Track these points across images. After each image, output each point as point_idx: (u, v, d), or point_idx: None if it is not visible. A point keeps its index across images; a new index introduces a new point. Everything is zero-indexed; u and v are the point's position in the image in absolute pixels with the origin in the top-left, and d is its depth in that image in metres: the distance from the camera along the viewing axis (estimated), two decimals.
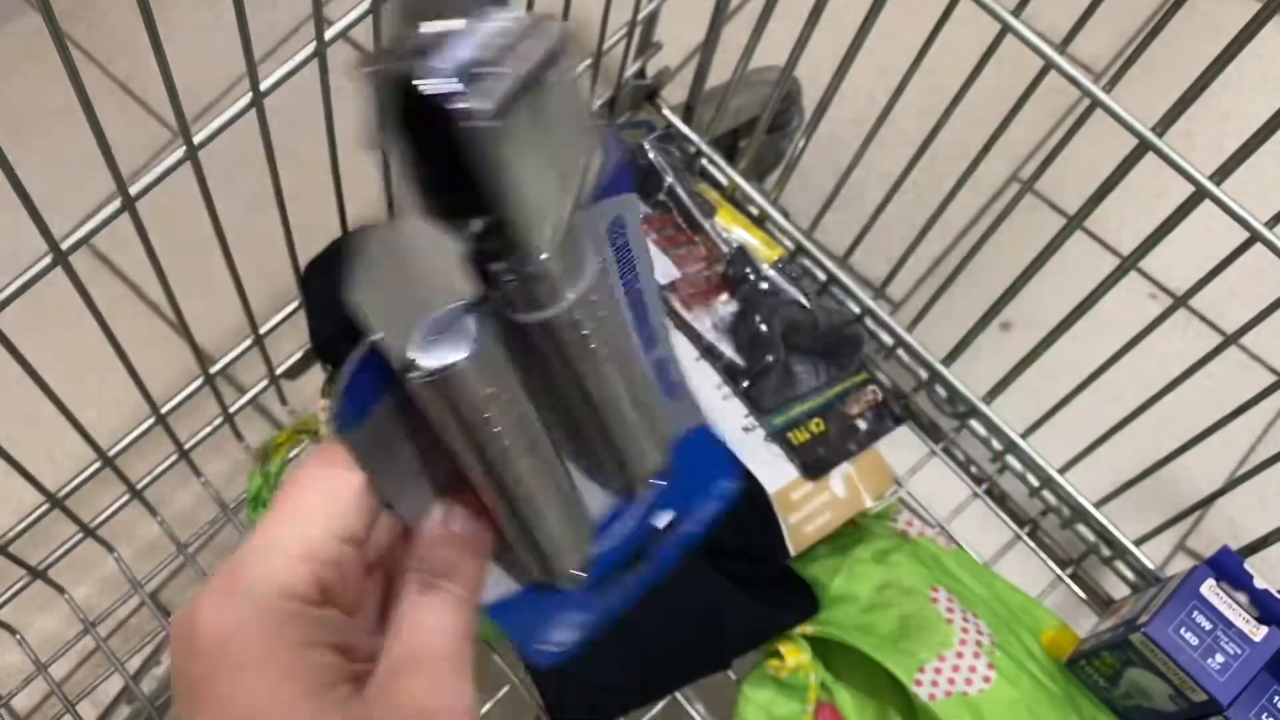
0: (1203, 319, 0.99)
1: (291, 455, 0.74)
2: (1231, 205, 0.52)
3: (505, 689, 0.67)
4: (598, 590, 0.41)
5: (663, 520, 0.41)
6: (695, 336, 0.64)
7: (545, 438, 0.34)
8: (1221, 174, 0.53)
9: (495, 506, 0.34)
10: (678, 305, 0.65)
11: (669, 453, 0.40)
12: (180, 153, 0.51)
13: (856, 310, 0.76)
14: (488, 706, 0.67)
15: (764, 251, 0.72)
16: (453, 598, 0.32)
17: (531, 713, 0.65)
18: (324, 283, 0.67)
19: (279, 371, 0.74)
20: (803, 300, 0.67)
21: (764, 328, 0.62)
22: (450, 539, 0.33)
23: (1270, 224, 0.53)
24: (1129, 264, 0.63)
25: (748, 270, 0.67)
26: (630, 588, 0.41)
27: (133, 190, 0.50)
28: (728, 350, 0.63)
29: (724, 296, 0.67)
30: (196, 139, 0.51)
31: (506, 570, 0.37)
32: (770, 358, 0.61)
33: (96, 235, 0.51)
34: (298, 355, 0.75)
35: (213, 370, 0.70)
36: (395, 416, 0.31)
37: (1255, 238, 0.53)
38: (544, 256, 0.28)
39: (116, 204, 0.50)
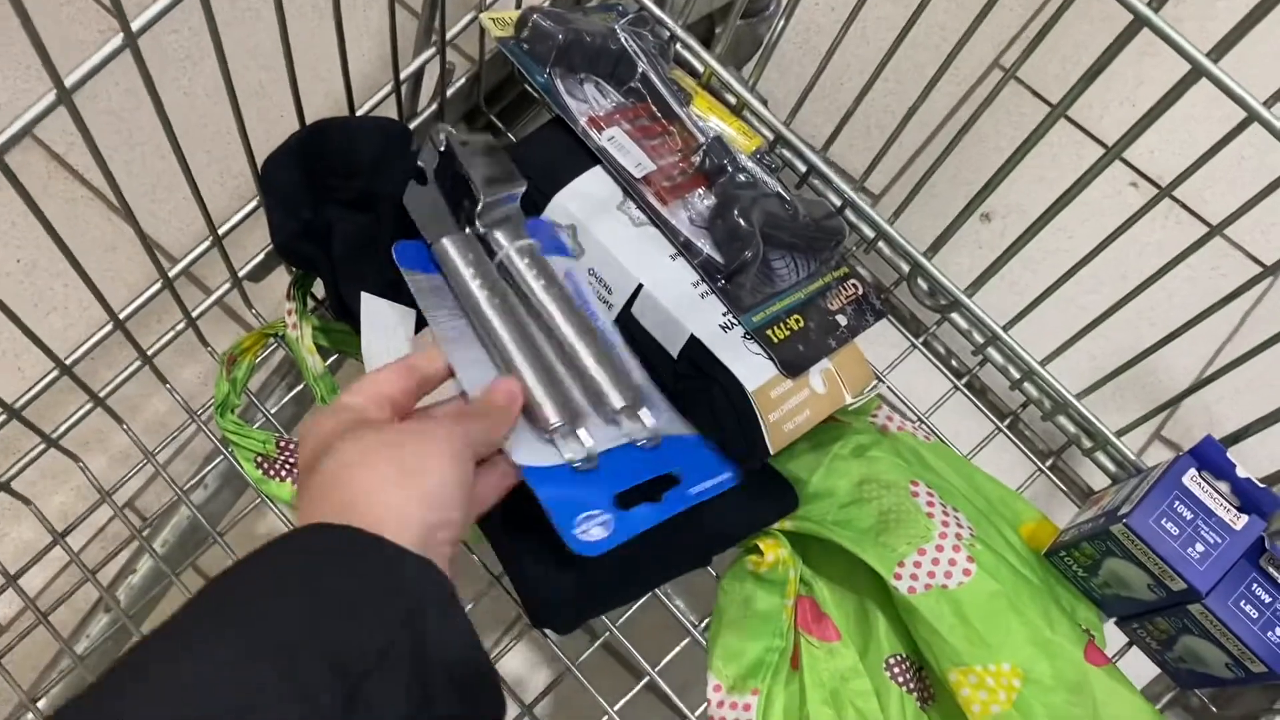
0: (1185, 207, 0.97)
1: (260, 359, 0.72)
2: (1230, 84, 0.50)
3: (488, 591, 0.67)
4: (624, 507, 0.56)
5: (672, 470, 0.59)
6: (672, 232, 0.62)
7: (524, 321, 0.59)
8: (1219, 51, 0.51)
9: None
10: (653, 199, 0.63)
11: (639, 401, 0.59)
12: (118, 40, 0.48)
13: (837, 202, 0.74)
14: (468, 608, 0.67)
15: (742, 142, 0.69)
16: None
17: (512, 613, 0.65)
18: (284, 180, 0.65)
19: (241, 274, 0.72)
20: (782, 192, 0.65)
21: (743, 222, 0.60)
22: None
23: (1269, 103, 0.51)
24: (1115, 152, 0.61)
25: (725, 162, 0.65)
26: (647, 516, 0.56)
27: (69, 81, 0.47)
28: (705, 246, 0.61)
29: (700, 190, 0.65)
30: (135, 24, 0.48)
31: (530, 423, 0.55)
32: (749, 253, 0.60)
33: (52, 136, 0.48)
34: (259, 257, 0.73)
35: (171, 273, 0.67)
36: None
37: (1253, 118, 0.51)
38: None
39: (53, 97, 0.48)
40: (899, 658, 0.65)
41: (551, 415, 0.55)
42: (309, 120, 0.65)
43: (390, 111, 0.72)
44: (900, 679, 0.64)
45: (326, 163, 0.65)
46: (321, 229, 0.64)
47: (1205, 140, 0.57)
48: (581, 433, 0.56)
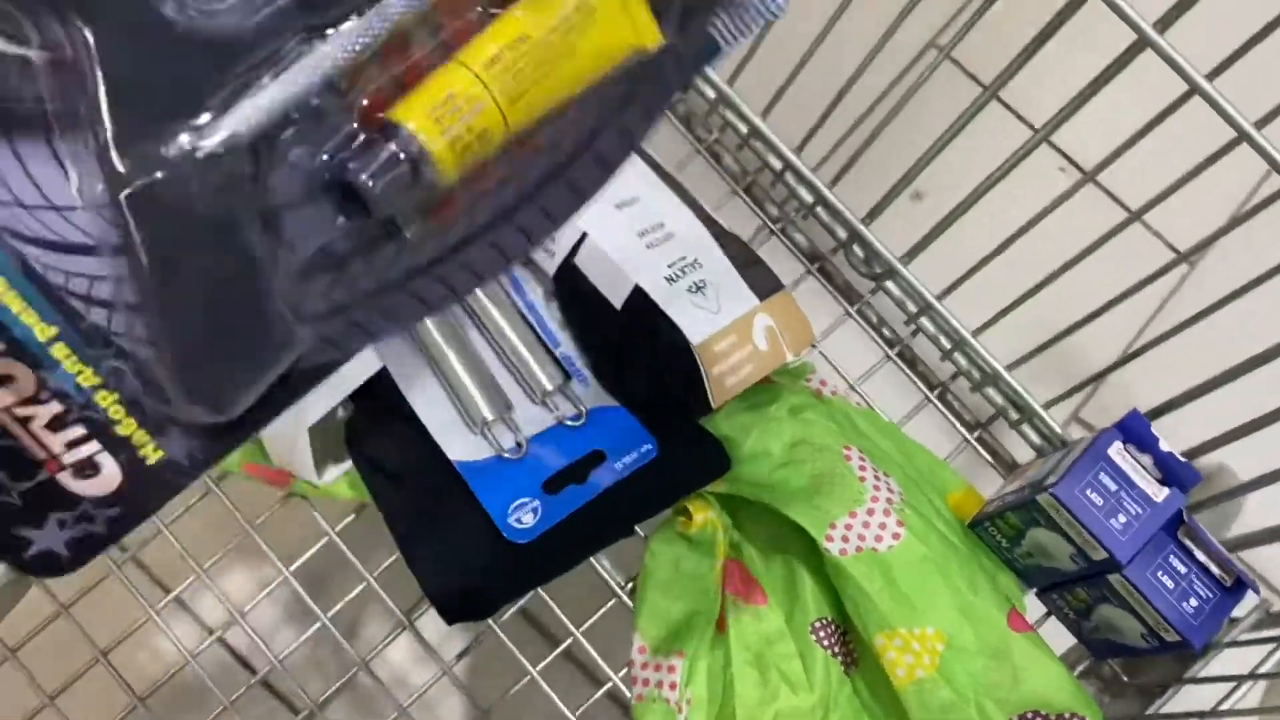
0: (1109, 195, 0.99)
1: None
2: (1174, 55, 0.51)
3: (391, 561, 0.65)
4: (551, 491, 0.58)
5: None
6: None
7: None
8: (1163, 24, 0.52)
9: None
10: None
11: (568, 378, 0.61)
12: None
13: (778, 165, 0.74)
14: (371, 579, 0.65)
15: None
16: None
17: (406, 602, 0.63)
18: None
19: None
20: None
21: None
22: None
23: (1210, 76, 0.52)
24: (1042, 135, 0.62)
25: None
26: (574, 497, 0.59)
27: None
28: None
29: None
30: None
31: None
32: None
33: None
34: None
35: None
36: None
37: (1195, 90, 0.52)
38: None
39: None
40: (824, 621, 0.65)
41: (484, 409, 0.56)
42: None
43: None
44: (826, 643, 0.64)
45: None
46: None
47: (1129, 131, 0.58)
48: (511, 420, 0.57)
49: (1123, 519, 0.60)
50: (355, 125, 0.34)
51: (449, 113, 0.34)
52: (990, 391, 0.73)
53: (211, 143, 0.31)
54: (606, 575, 0.67)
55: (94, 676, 0.64)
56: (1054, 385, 0.72)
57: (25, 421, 0.32)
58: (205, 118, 0.31)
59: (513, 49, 0.35)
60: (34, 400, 0.32)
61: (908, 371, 0.76)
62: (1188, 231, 0.67)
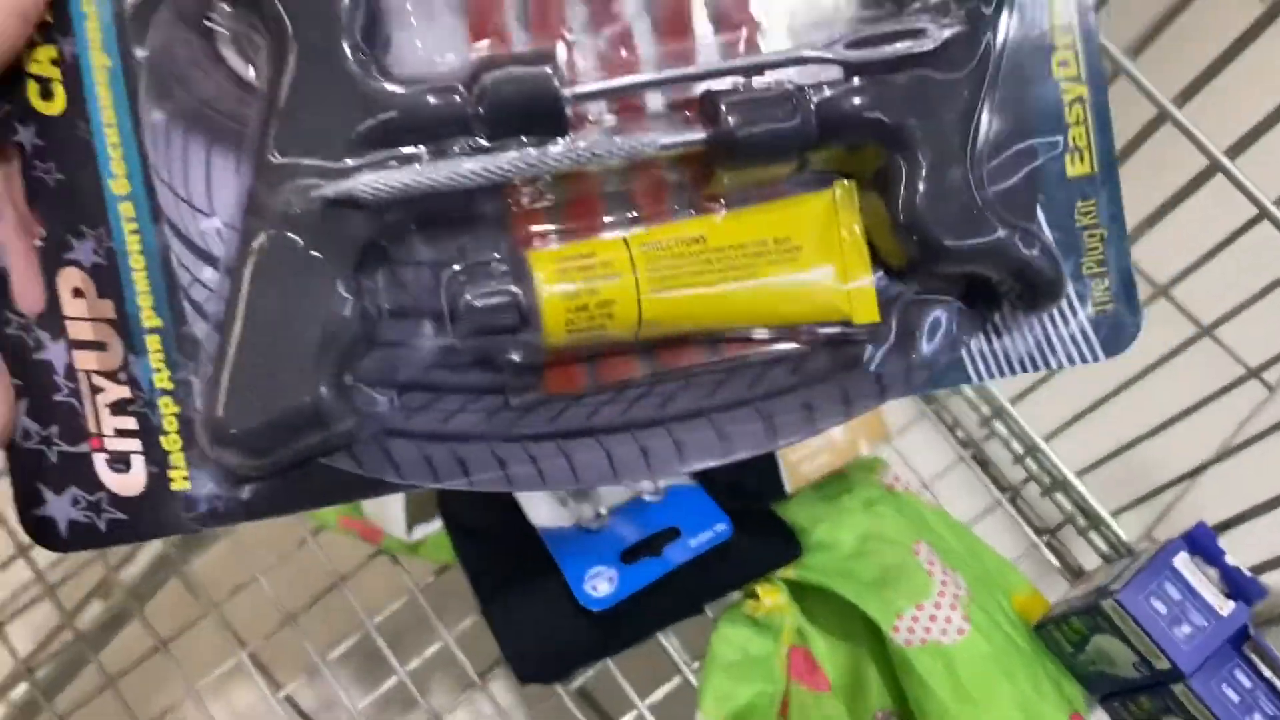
0: (1179, 308, 1.01)
1: None
2: (1244, 181, 0.54)
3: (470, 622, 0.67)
4: (627, 562, 0.60)
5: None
6: None
7: None
8: (1235, 150, 0.55)
9: None
10: None
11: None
12: None
13: None
14: (460, 631, 0.67)
15: None
16: None
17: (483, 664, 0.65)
18: None
19: None
20: None
21: None
22: None
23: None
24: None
25: None
26: (649, 569, 0.61)
27: None
28: None
29: None
30: None
31: None
32: None
33: None
34: None
35: None
36: None
37: (1264, 215, 0.54)
38: None
39: None
40: (887, 712, 0.66)
41: None
42: None
43: None
44: None
45: None
46: None
47: (1203, 248, 0.60)
48: (593, 492, 0.59)
49: (1187, 629, 0.61)
50: (496, 248, 0.34)
51: (579, 268, 0.32)
52: (1060, 497, 0.74)
53: (340, 188, 0.31)
54: (674, 653, 0.68)
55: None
56: (1123, 495, 0.73)
57: (95, 391, 0.33)
58: (346, 162, 0.31)
59: (681, 242, 0.33)
60: (112, 376, 0.33)
61: (980, 473, 0.77)
62: (1261, 348, 0.68)
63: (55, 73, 0.32)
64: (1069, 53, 0.35)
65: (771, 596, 0.64)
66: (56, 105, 0.32)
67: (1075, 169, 0.35)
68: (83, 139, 0.32)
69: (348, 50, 0.31)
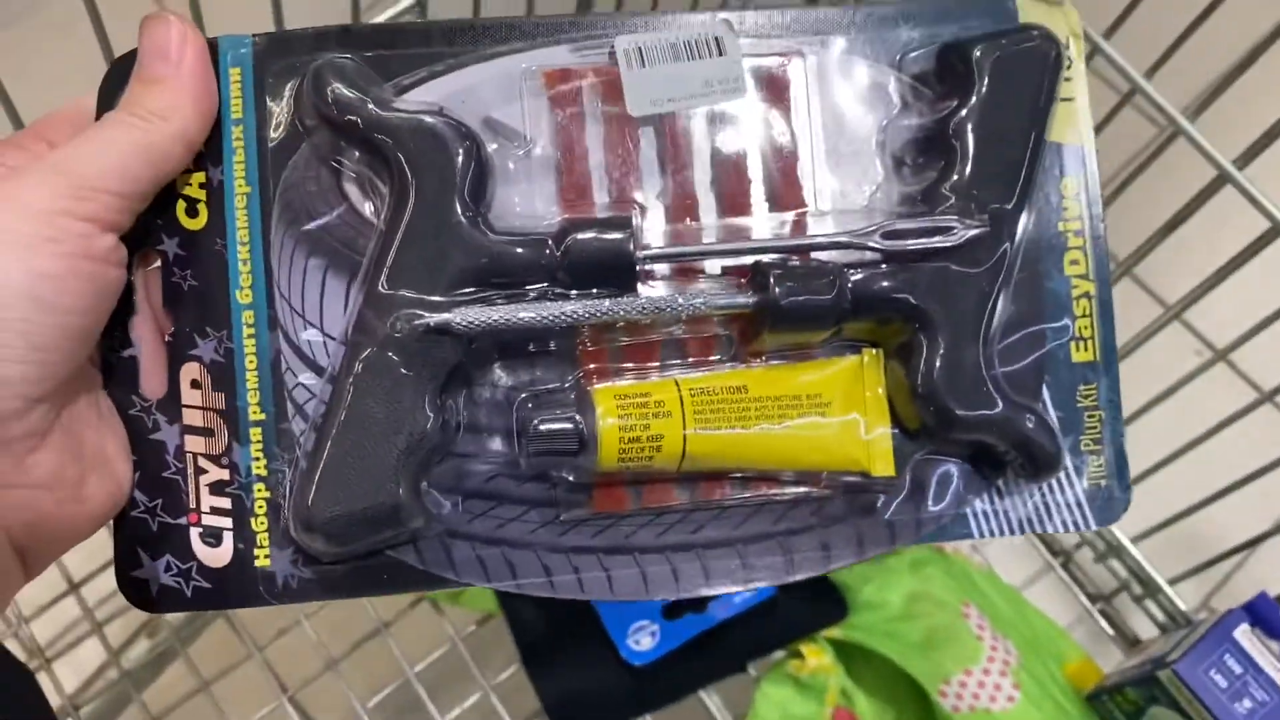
0: (1242, 375, 0.99)
1: None
2: None
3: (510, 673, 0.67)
4: (670, 618, 0.61)
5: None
6: None
7: None
8: None
9: None
10: None
11: None
12: None
13: None
14: (500, 678, 0.67)
15: None
16: None
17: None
18: None
19: None
20: None
21: None
22: None
23: None
24: (1175, 310, 0.63)
25: None
26: (692, 624, 0.62)
27: None
28: None
29: None
30: None
31: None
32: None
33: None
34: None
35: None
36: None
37: None
38: None
39: None
40: None
41: None
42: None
43: None
44: None
45: None
46: None
47: (1263, 312, 0.59)
48: None
49: (1248, 704, 0.59)
50: (563, 380, 0.38)
51: (635, 405, 0.37)
52: (1114, 563, 0.73)
53: (438, 319, 0.35)
54: (715, 711, 0.67)
55: None
56: (1180, 562, 0.71)
57: (200, 472, 0.37)
58: (438, 297, 0.36)
59: (726, 389, 0.37)
60: (216, 460, 0.37)
61: (1032, 536, 0.76)
62: None
63: (202, 195, 0.37)
64: (1079, 253, 0.39)
65: (816, 656, 0.64)
66: (199, 222, 0.37)
67: (1080, 355, 0.39)
68: (218, 253, 0.37)
69: (457, 204, 0.36)
